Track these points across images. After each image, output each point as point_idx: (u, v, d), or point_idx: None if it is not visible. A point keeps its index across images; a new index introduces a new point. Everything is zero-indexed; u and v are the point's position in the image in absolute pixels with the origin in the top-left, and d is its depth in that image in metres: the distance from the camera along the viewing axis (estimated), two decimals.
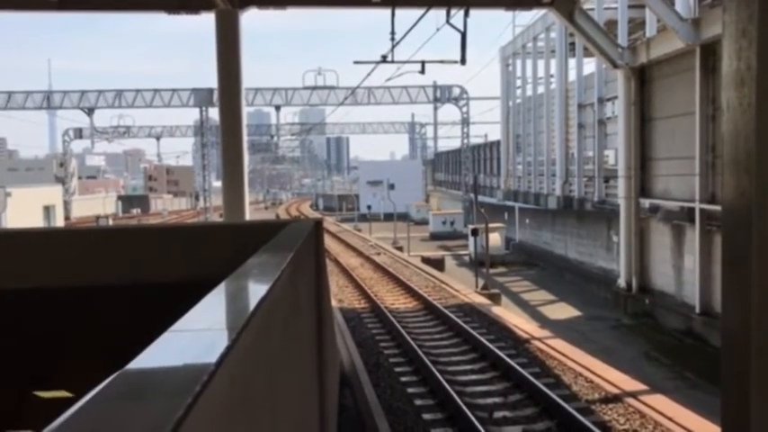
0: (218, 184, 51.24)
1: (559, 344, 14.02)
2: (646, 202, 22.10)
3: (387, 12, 18.41)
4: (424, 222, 52.34)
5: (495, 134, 62.07)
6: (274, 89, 53.96)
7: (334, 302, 18.14)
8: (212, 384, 1.28)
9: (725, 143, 2.87)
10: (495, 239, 31.74)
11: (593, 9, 27.34)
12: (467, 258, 34.06)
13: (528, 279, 29.40)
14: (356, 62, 23.62)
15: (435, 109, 75.35)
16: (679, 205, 20.13)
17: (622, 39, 25.21)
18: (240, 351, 1.59)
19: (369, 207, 55.23)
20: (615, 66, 22.41)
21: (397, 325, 15.78)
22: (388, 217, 51.11)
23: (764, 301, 2.71)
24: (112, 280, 4.68)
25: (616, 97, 25.36)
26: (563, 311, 22.64)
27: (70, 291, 4.77)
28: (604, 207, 28.91)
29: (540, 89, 40.34)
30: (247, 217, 19.94)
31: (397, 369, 12.84)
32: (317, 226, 5.68)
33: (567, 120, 35.17)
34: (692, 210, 19.20)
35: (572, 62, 35.42)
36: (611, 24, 27.35)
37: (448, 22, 17.10)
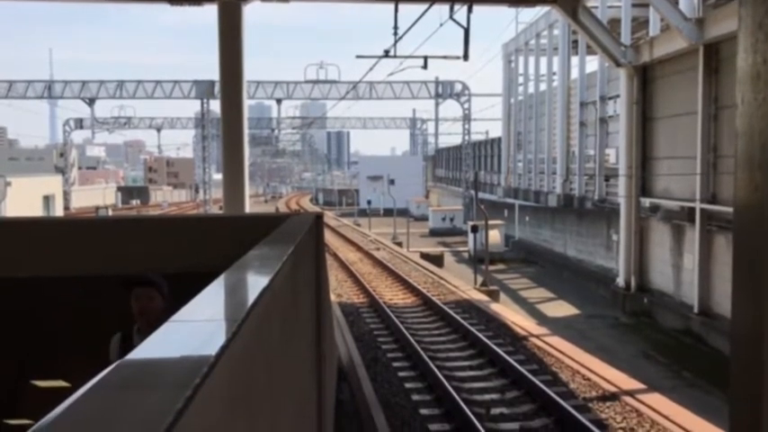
0: (218, 176, 51.21)
1: (557, 341, 14.02)
2: (646, 202, 22.10)
3: (390, 7, 18.38)
4: (424, 218, 52.36)
5: (496, 131, 62.06)
6: (276, 82, 53.90)
7: (332, 297, 18.15)
8: (212, 376, 1.27)
9: (738, 138, 2.84)
10: (495, 236, 31.74)
11: (596, 7, 27.28)
12: (466, 255, 34.08)
13: (527, 276, 29.42)
14: (358, 56, 23.67)
15: (437, 105, 75.41)
16: (679, 205, 20.12)
17: (625, 37, 25.17)
18: (241, 343, 1.57)
19: (369, 202, 55.24)
20: (618, 64, 22.38)
21: (396, 320, 15.78)
22: (388, 212, 51.10)
23: None
24: (112, 271, 4.66)
25: (618, 96, 25.33)
26: (561, 309, 22.66)
27: (69, 280, 4.76)
28: (604, 206, 28.91)
29: (543, 86, 40.30)
30: (247, 210, 19.92)
31: (395, 364, 12.85)
32: (318, 220, 5.65)
33: (569, 118, 35.15)
34: (692, 209, 19.20)
35: (574, 60, 35.37)
36: (615, 23, 27.30)
37: (451, 17, 17.07)
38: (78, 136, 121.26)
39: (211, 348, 1.39)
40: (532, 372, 11.66)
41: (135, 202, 77.28)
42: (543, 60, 39.89)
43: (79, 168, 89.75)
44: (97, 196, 72.34)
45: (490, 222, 26.48)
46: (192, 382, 1.17)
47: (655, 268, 21.87)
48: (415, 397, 10.97)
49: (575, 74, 35.09)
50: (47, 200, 42.95)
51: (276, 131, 76.65)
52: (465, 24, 17.26)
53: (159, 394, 1.15)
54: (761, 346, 2.69)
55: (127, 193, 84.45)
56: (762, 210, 2.66)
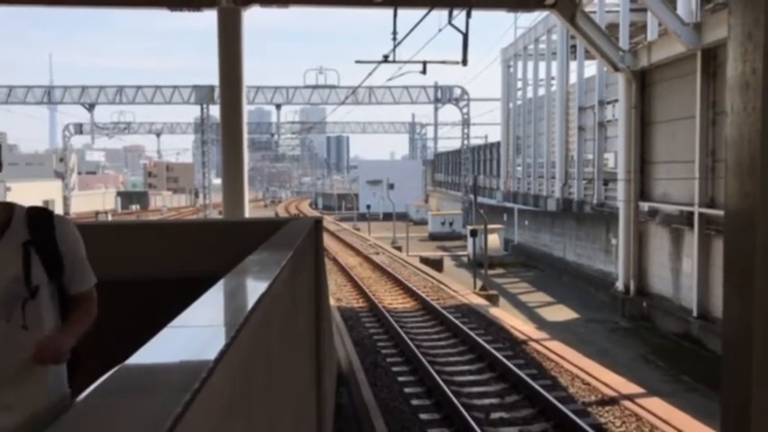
0: (217, 181, 51.19)
1: (557, 346, 14.02)
2: (645, 206, 22.11)
3: (389, 12, 18.43)
4: (423, 222, 52.34)
5: (495, 135, 62.10)
6: (275, 87, 53.95)
7: (332, 301, 18.15)
8: (211, 381, 1.28)
9: (728, 146, 2.87)
10: (494, 240, 31.74)
11: (594, 12, 27.34)
12: (465, 259, 34.06)
13: (526, 280, 29.40)
14: (358, 61, 23.63)
15: (436, 109, 75.34)
16: (678, 209, 20.14)
17: (624, 42, 25.22)
18: (239, 348, 1.59)
19: (368, 206, 55.23)
20: (616, 69, 22.41)
21: (395, 325, 15.78)
22: (388, 217, 51.09)
23: (767, 303, 2.71)
24: (111, 276, 4.66)
25: (617, 100, 25.37)
26: (561, 313, 22.65)
27: None
28: (603, 210, 28.93)
29: (541, 91, 40.36)
30: (247, 214, 19.92)
31: (395, 369, 12.85)
32: (317, 224, 5.67)
33: (568, 122, 35.20)
34: (691, 214, 19.21)
35: (573, 65, 35.46)
36: (613, 27, 27.36)
37: (450, 22, 17.11)
38: (78, 141, 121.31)
39: (210, 353, 1.40)
40: (531, 376, 11.66)
41: (135, 207, 77.21)
42: (542, 65, 39.96)
43: (79, 173, 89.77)
44: (97, 201, 72.30)
45: (489, 226, 26.48)
46: (191, 387, 1.19)
47: (654, 272, 21.87)
48: (415, 401, 10.97)
49: (573, 78, 35.17)
50: (46, 205, 42.93)
51: (276, 136, 76.72)
52: (464, 29, 17.30)
53: (158, 399, 1.16)
54: (750, 345, 2.73)
55: (126, 197, 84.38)
56: (751, 215, 2.69)
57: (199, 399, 1.17)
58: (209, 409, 1.29)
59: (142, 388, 1.26)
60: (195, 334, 1.66)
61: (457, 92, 57.74)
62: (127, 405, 1.16)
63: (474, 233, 26.61)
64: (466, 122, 57.96)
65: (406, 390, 11.54)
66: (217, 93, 28.92)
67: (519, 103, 45.97)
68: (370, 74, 23.71)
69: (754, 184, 2.66)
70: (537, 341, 14.42)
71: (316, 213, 68.08)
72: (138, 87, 53.02)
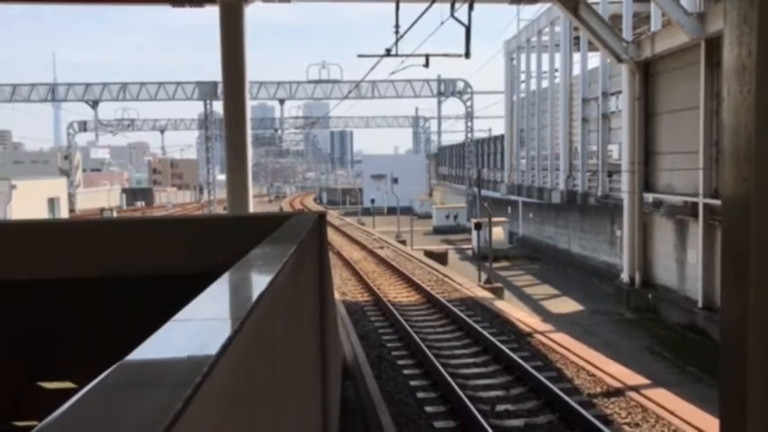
0: (222, 177, 51.24)
1: (562, 338, 14.02)
2: (649, 197, 22.06)
3: (392, 5, 18.38)
4: (428, 216, 52.34)
5: (499, 128, 61.97)
6: (278, 83, 53.95)
7: (337, 295, 18.17)
8: (213, 375, 1.29)
9: (725, 131, 2.87)
10: (499, 233, 31.71)
11: (597, 3, 27.22)
12: (470, 252, 34.06)
13: (531, 273, 29.39)
14: (360, 56, 23.60)
15: (439, 103, 75.29)
16: (683, 200, 20.09)
17: (627, 33, 25.11)
18: (242, 342, 1.59)
19: (372, 201, 55.29)
20: (620, 60, 22.33)
21: (400, 318, 15.80)
22: (392, 211, 51.10)
23: (763, 290, 2.72)
24: (116, 272, 4.69)
25: (620, 92, 25.28)
26: (566, 305, 22.64)
27: (74, 282, 4.79)
28: (608, 201, 28.87)
29: (545, 83, 40.23)
30: (251, 210, 19.92)
31: (400, 362, 12.87)
32: (321, 218, 5.68)
33: (571, 114, 35.09)
34: (695, 204, 19.17)
35: (576, 56, 35.29)
36: (616, 18, 27.24)
37: (452, 15, 17.05)
38: (82, 138, 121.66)
39: (213, 347, 1.41)
40: (537, 368, 11.67)
41: (140, 204, 77.35)
42: (545, 57, 39.82)
43: (83, 171, 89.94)
44: (102, 198, 72.46)
45: (494, 219, 26.47)
46: (192, 381, 1.19)
47: (659, 263, 21.84)
48: (420, 394, 10.99)
49: (576, 70, 35.02)
50: (52, 202, 43.07)
51: (279, 131, 76.75)
52: (466, 22, 17.24)
53: (160, 393, 1.17)
54: (746, 332, 2.73)
55: (131, 194, 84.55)
56: (748, 201, 2.68)
57: (200, 393, 1.18)
58: (212, 403, 1.30)
59: (144, 382, 1.27)
60: (198, 328, 1.67)
61: (460, 85, 57.63)
62: (128, 400, 1.16)
63: (478, 226, 26.60)
64: (469, 116, 57.87)
65: (412, 383, 11.56)
66: (220, 89, 28.93)
67: (522, 95, 45.82)
68: (372, 68, 23.70)
69: (750, 168, 2.65)
70: (542, 333, 14.42)
71: (320, 208, 68.08)
72: (142, 84, 53.07)
